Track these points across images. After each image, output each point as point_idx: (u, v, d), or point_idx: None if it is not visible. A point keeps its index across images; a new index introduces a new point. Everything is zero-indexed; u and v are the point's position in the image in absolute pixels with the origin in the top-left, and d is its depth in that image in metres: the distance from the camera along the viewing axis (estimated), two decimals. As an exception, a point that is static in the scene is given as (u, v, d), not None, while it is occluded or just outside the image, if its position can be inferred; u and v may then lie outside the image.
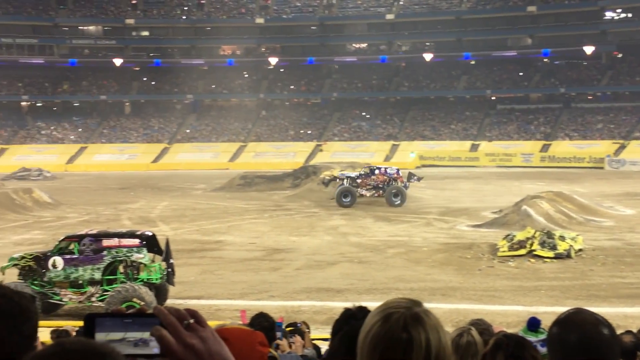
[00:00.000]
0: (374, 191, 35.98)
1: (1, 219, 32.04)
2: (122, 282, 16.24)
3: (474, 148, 66.33)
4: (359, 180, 36.05)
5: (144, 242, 16.67)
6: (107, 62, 78.05)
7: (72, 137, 73.92)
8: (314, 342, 9.52)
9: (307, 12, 79.24)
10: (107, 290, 16.17)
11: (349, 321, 2.54)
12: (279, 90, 79.11)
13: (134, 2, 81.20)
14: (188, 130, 75.05)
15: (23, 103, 79.15)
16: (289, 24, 78.41)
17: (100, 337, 1.24)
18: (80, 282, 16.42)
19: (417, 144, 67.41)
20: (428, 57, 74.03)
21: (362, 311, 2.54)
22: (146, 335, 1.25)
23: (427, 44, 76.00)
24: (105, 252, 16.50)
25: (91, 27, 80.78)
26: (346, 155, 59.86)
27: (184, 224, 30.48)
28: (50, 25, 78.60)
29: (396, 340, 1.67)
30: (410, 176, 37.15)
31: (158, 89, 79.97)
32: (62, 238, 17.31)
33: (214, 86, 78.97)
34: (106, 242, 16.64)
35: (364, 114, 75.23)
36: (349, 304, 2.91)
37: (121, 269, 16.68)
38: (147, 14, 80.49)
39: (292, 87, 79.13)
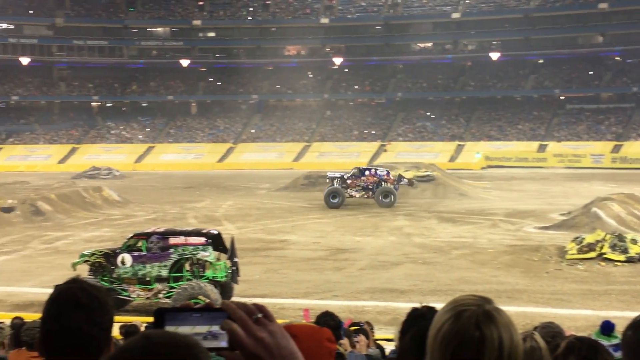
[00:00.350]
0: (363, 192, 36.04)
1: (72, 216, 32.91)
2: (188, 280, 16.47)
3: (542, 149, 65.06)
4: (348, 182, 36.10)
5: (210, 241, 16.87)
6: (174, 63, 79.42)
7: (140, 136, 75.42)
8: (378, 342, 9.46)
9: (372, 12, 79.05)
10: (174, 288, 16.42)
11: (418, 321, 2.49)
12: (343, 90, 79.12)
13: (200, 3, 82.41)
14: (253, 130, 75.71)
15: (93, 103, 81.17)
16: (353, 24, 78.36)
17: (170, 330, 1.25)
18: (148, 279, 16.71)
19: (482, 145, 66.49)
20: (495, 56, 72.93)
21: (431, 311, 2.49)
22: (214, 329, 1.26)
23: (494, 42, 74.88)
24: (172, 250, 16.76)
25: (159, 29, 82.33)
26: (410, 155, 59.45)
27: (249, 223, 30.74)
28: (120, 27, 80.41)
29: (468, 338, 1.64)
30: (400, 178, 37.04)
31: (224, 89, 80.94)
32: (130, 236, 17.67)
33: (278, 86, 79.49)
34: (173, 240, 16.91)
35: (428, 114, 74.61)
36: (413, 305, 2.85)
37: (187, 266, 16.91)
38: (213, 15, 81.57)
39: (356, 87, 79.05)
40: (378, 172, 36.78)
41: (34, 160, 67.97)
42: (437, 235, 27.41)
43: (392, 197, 35.44)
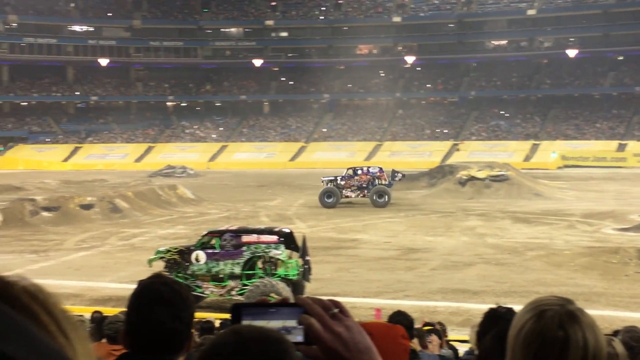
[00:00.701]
0: (358, 192, 36.02)
1: (148, 213, 33.64)
2: (260, 277, 16.61)
3: (621, 148, 63.16)
4: (342, 182, 36.11)
5: (282, 239, 16.97)
6: (247, 63, 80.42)
7: (214, 135, 76.59)
8: (451, 343, 9.35)
9: (445, 10, 78.24)
10: (246, 285, 16.59)
11: (497, 322, 2.43)
12: (416, 89, 78.59)
13: (273, 3, 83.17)
14: (324, 129, 75.95)
15: (169, 103, 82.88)
16: (426, 22, 77.72)
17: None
18: (221, 275, 16.93)
19: (559, 144, 65.01)
20: (572, 53, 71.19)
21: (510, 312, 2.43)
22: (289, 323, 1.26)
23: (571, 39, 73.07)
24: (244, 248, 16.93)
25: (232, 29, 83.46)
26: (484, 155, 58.62)
27: (320, 222, 30.83)
28: (195, 28, 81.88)
29: (552, 338, 1.59)
30: (394, 174, 36.89)
31: (296, 88, 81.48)
32: (204, 233, 17.92)
33: (350, 85, 79.53)
34: (246, 238, 17.08)
35: (502, 112, 73.40)
36: (487, 306, 2.79)
37: (260, 264, 17.06)
38: (286, 15, 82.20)
39: (428, 85, 78.42)
40: (370, 170, 37.02)
41: (112, 158, 69.81)
42: (511, 235, 26.91)
43: (387, 196, 35.45)
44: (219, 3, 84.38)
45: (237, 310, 1.26)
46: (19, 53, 76.64)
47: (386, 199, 35.31)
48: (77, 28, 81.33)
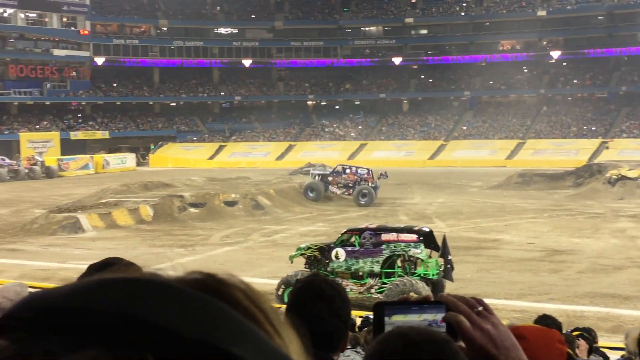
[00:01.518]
0: (344, 189, 36.52)
1: (289, 211, 34.33)
2: (399, 276, 16.55)
3: None
4: (330, 178, 36.67)
5: (422, 238, 16.83)
6: (387, 61, 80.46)
7: (353, 134, 77.14)
8: (602, 349, 8.91)
9: (594, 2, 74.90)
10: (385, 283, 16.58)
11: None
12: (561, 85, 75.78)
13: (413, 1, 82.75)
14: (465, 127, 74.73)
15: (309, 102, 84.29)
16: (573, 15, 74.77)
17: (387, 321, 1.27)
18: (361, 273, 17.00)
19: None
20: None
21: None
22: (430, 320, 1.25)
23: None
24: (384, 246, 16.93)
25: (372, 28, 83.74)
26: (635, 153, 55.67)
27: (460, 221, 30.34)
28: (335, 27, 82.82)
29: None
30: (380, 175, 37.44)
31: (435, 86, 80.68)
32: (344, 231, 18.07)
33: (491, 82, 77.83)
34: (385, 237, 17.07)
35: (656, 108, 69.48)
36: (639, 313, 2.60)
37: (399, 263, 17.00)
38: (426, 12, 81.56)
39: (575, 81, 75.41)
40: (359, 170, 37.45)
41: (254, 156, 71.81)
42: (665, 239, 25.39)
43: (370, 197, 35.87)
44: (358, 2, 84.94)
45: (380, 309, 1.27)
46: (169, 56, 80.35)
47: (368, 200, 35.96)
48: (222, 30, 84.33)
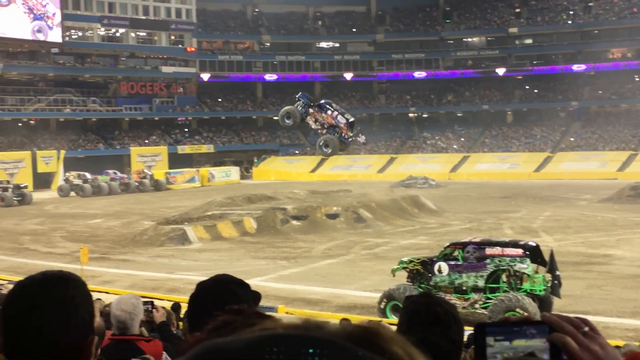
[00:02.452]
0: (319, 127, 33.97)
1: (390, 223, 34.13)
2: (504, 292, 16.11)
3: None
4: (311, 110, 33.94)
5: (528, 252, 16.33)
6: (490, 71, 79.13)
7: (455, 146, 76.14)
8: None
9: None
10: (490, 299, 16.18)
11: None
12: (676, 94, 72.47)
13: (517, 10, 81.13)
14: (572, 139, 72.45)
15: (411, 114, 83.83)
16: (688, 20, 71.47)
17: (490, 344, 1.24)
18: (464, 288, 16.66)
19: None
20: None
21: None
22: (533, 343, 1.20)
23: None
24: (488, 261, 16.53)
25: (475, 39, 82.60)
26: None
27: (568, 236, 29.34)
28: (437, 39, 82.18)
29: None
30: (358, 134, 35.31)
31: (541, 96, 78.70)
32: (447, 244, 17.77)
33: (600, 92, 75.23)
34: (489, 251, 16.66)
35: None
36: None
37: (504, 278, 16.55)
38: (530, 22, 79.79)
39: (691, 89, 71.96)
40: (338, 117, 34.28)
41: (356, 169, 71.95)
42: None
43: (333, 149, 33.22)
44: (460, 13, 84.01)
45: (481, 330, 1.24)
46: (272, 71, 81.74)
47: (330, 150, 33.36)
48: (324, 45, 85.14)
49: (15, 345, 1.76)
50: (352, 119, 34.65)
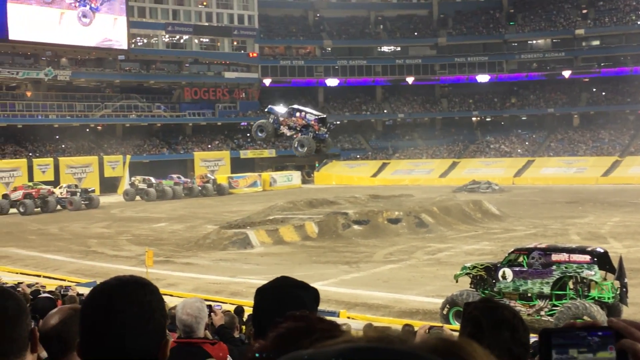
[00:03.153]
0: (293, 132, 34.95)
1: (453, 229, 33.76)
2: (571, 299, 15.76)
3: None
4: (281, 119, 35.19)
5: (595, 259, 15.93)
6: (556, 74, 77.64)
7: (520, 150, 74.94)
8: None
9: None
10: (556, 306, 15.84)
11: None
12: None
13: (584, 11, 79.43)
14: (641, 142, 70.55)
15: (473, 118, 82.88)
16: None
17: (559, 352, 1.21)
18: (529, 295, 16.35)
19: None
20: None
21: None
22: (601, 353, 1.18)
23: None
24: (554, 267, 16.18)
25: (540, 41, 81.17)
26: None
27: (638, 242, 28.51)
28: (500, 42, 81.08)
29: None
30: (329, 128, 35.62)
31: (609, 99, 76.83)
32: (511, 250, 17.48)
33: (671, 94, 73.02)
34: (555, 257, 16.31)
35: None
36: None
37: (571, 284, 16.19)
38: (598, 23, 78.00)
39: None
40: (307, 116, 35.18)
41: (417, 174, 71.45)
42: None
43: (309, 148, 34.07)
44: (525, 15, 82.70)
45: (547, 337, 1.23)
46: (333, 75, 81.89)
47: (305, 150, 34.20)
48: (385, 49, 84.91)
49: (93, 348, 1.82)
50: (322, 116, 36.01)
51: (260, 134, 36.40)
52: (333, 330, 0.89)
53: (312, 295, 2.48)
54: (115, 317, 1.80)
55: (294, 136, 35.85)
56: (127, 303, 1.82)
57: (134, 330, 1.80)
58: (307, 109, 37.20)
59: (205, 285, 22.21)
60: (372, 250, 28.48)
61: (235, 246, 29.52)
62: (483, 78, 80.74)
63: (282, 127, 36.36)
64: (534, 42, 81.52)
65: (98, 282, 2.01)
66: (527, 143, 76.21)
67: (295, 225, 32.30)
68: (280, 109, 36.75)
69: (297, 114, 35.98)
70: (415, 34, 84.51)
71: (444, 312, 16.17)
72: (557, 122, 78.36)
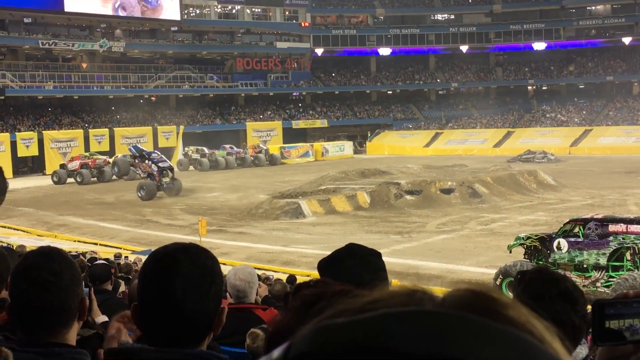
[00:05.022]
0: (145, 174, 36.93)
1: (507, 199, 33.34)
2: (628, 270, 15.46)
3: None
4: (136, 161, 37.16)
5: (654, 230, 15.57)
6: (616, 41, 75.56)
7: (576, 119, 73.37)
8: None
9: None
10: (612, 277, 15.57)
11: None
12: None
13: (645, -25, 76.93)
14: None
15: (529, 87, 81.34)
16: None
17: (613, 323, 1.21)
18: (585, 266, 16.10)
19: None
20: None
21: None
22: None
23: None
24: (611, 238, 15.88)
25: (599, 7, 78.93)
26: None
27: (699, 213, 27.75)
28: (557, 8, 79.07)
29: None
30: (171, 180, 36.84)
31: (671, 66, 74.54)
32: (567, 221, 17.20)
33: None
34: (612, 228, 16.00)
35: None
36: None
37: (628, 256, 15.88)
38: (660, -13, 75.45)
39: None
40: (152, 166, 36.82)
41: (471, 144, 70.62)
42: None
43: (148, 194, 35.76)
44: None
45: (600, 308, 1.22)
46: (385, 44, 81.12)
47: (144, 194, 35.87)
48: (439, 17, 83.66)
49: (153, 311, 1.78)
50: (165, 166, 37.66)
51: (115, 169, 41.59)
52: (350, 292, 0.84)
53: (383, 262, 2.47)
54: (179, 280, 1.75)
55: (143, 177, 38.27)
56: (190, 266, 1.77)
57: (196, 294, 1.76)
58: (157, 158, 38.64)
59: (258, 255, 22.42)
60: (424, 221, 28.34)
61: (287, 216, 29.67)
62: (539, 46, 79.02)
63: (136, 168, 39.62)
64: (593, 7, 79.30)
65: (153, 250, 1.97)
66: (584, 112, 74.55)
67: (347, 195, 32.28)
68: (139, 150, 39.14)
69: (147, 162, 38.05)
70: (470, 1, 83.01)
71: (497, 282, 16.02)
72: (616, 90, 76.41)
